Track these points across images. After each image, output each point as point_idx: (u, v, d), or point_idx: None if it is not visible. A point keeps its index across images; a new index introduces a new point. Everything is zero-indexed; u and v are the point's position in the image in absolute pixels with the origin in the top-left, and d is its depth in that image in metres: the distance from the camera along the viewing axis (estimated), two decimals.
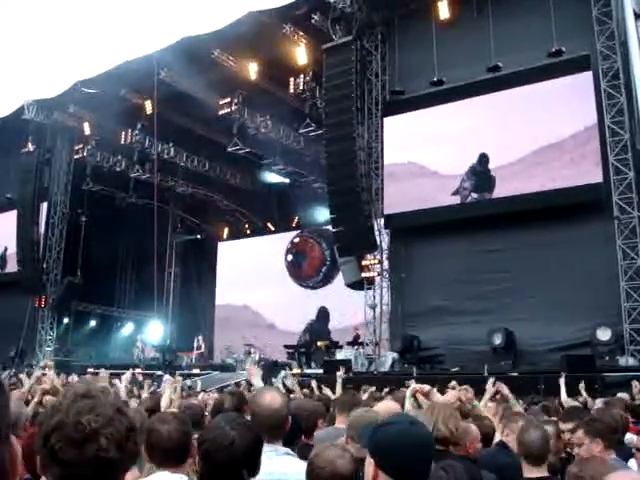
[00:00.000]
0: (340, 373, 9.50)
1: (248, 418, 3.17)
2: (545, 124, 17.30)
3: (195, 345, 26.48)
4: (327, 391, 9.65)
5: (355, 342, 21.84)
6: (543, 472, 3.98)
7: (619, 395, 9.05)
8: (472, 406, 5.90)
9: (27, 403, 6.30)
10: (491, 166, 18.20)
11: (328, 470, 2.74)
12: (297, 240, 30.91)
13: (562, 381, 9.04)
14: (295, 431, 4.16)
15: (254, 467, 2.58)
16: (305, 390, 9.63)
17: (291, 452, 3.33)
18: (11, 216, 27.60)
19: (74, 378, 12.80)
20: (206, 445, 2.58)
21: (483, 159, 18.30)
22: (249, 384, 5.44)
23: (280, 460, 3.11)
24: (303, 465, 3.23)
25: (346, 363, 17.28)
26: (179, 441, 3.20)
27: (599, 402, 8.10)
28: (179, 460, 3.18)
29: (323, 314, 28.69)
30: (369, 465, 2.27)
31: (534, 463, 3.96)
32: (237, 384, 13.95)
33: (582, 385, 9.86)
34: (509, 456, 4.37)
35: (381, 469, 2.22)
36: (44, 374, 8.08)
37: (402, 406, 4.70)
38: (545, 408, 7.37)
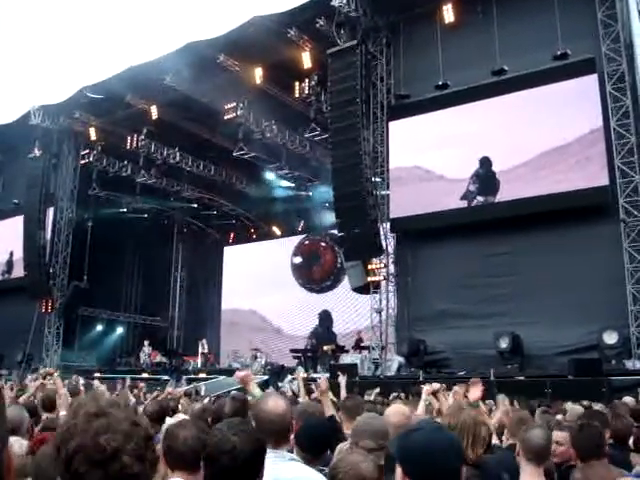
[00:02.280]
0: (342, 378, 9.48)
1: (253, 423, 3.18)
2: (550, 127, 17.27)
3: (200, 349, 26.51)
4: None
5: (357, 346, 21.85)
6: (540, 475, 3.94)
7: (625, 399, 9.02)
8: (475, 406, 5.85)
9: (34, 409, 6.30)
10: (496, 169, 18.17)
11: (352, 474, 2.80)
12: (307, 242, 30.94)
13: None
14: (323, 445, 4.09)
15: (256, 473, 2.58)
16: (314, 394, 9.58)
17: (296, 458, 3.33)
18: (18, 221, 27.65)
19: (79, 380, 12.85)
20: (209, 450, 2.59)
21: (485, 162, 18.29)
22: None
23: (285, 466, 3.10)
24: (310, 470, 3.23)
25: (352, 367, 17.29)
26: (194, 447, 3.20)
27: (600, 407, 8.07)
28: (193, 465, 3.17)
29: (325, 318, 28.71)
30: (398, 474, 2.26)
31: (533, 462, 3.92)
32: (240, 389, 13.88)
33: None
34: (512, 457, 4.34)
35: (408, 476, 2.20)
36: (42, 383, 8.06)
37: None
38: (545, 412, 7.35)
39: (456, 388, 6.27)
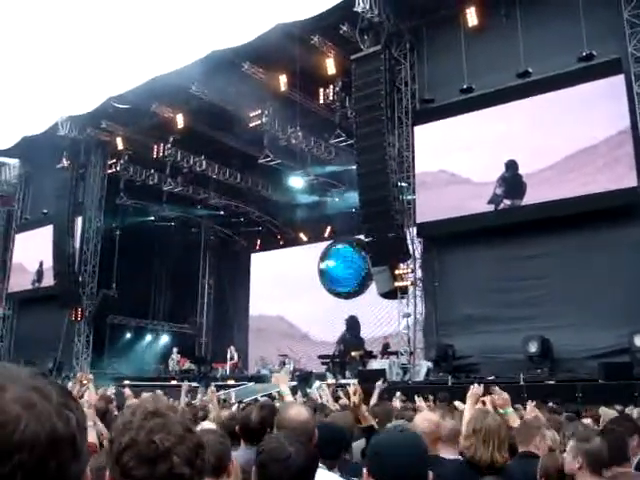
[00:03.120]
0: (379, 384, 9.45)
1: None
2: (577, 129, 17.14)
3: (228, 356, 26.57)
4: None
5: (384, 351, 21.80)
6: None
7: None
8: (504, 412, 5.75)
9: None
10: (522, 172, 18.04)
11: None
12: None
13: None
14: (340, 445, 4.12)
15: None
16: (341, 401, 9.56)
17: (321, 465, 3.34)
18: (47, 231, 28.05)
19: (111, 390, 12.93)
20: (263, 456, 2.62)
21: (512, 165, 18.18)
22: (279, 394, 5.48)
23: None
24: (336, 477, 3.24)
25: (380, 373, 17.23)
26: (213, 453, 3.22)
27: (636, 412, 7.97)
28: (213, 472, 3.18)
29: (352, 323, 28.65)
30: (364, 473, 2.32)
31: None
32: (269, 396, 13.91)
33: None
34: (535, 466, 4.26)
35: (371, 475, 2.25)
36: (83, 387, 8.08)
37: (442, 416, 4.63)
38: (570, 418, 7.26)
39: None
